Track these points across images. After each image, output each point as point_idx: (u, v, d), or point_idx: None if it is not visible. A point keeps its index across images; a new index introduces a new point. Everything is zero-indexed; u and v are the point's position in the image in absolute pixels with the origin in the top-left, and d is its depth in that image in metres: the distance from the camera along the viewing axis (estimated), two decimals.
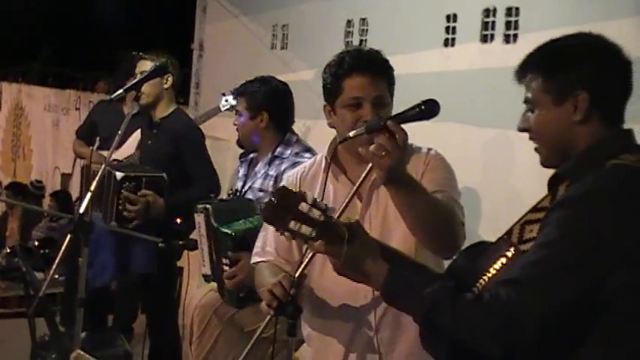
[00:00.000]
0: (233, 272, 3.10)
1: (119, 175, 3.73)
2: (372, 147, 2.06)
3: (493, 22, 3.62)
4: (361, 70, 2.41)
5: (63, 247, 3.00)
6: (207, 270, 3.35)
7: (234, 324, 3.34)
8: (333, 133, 2.56)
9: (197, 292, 3.50)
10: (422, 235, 2.28)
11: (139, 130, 4.33)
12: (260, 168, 3.50)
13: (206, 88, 6.49)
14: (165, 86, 4.05)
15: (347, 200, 2.19)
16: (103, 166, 3.27)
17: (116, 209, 3.75)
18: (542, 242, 1.68)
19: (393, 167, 2.07)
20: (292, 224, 1.83)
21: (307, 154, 3.40)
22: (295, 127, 3.61)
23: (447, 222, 2.25)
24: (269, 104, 3.50)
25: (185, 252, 3.62)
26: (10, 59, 13.40)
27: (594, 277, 1.63)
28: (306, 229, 1.83)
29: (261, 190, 3.41)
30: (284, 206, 1.83)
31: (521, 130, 1.91)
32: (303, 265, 2.19)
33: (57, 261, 2.99)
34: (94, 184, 3.13)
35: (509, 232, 1.83)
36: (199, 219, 3.31)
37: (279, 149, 3.47)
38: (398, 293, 1.84)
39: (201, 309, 3.38)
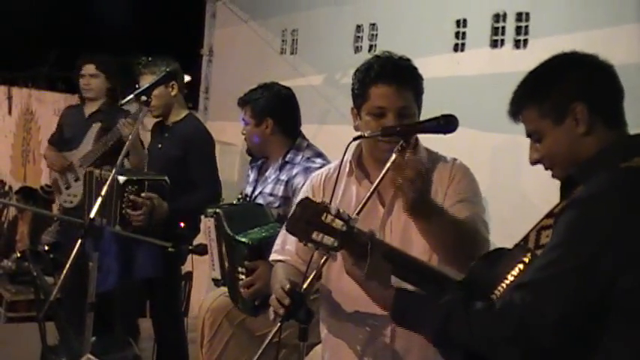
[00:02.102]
0: (250, 281, 3.09)
1: (122, 179, 3.74)
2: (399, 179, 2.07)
3: (503, 28, 3.62)
4: (387, 80, 2.39)
5: (73, 252, 3.01)
6: (217, 274, 3.36)
7: (245, 328, 3.34)
8: (342, 137, 2.55)
9: (208, 295, 3.50)
10: (442, 256, 2.30)
11: (96, 125, 4.52)
12: (271, 173, 3.50)
13: (215, 93, 6.51)
14: (172, 94, 4.07)
15: (364, 202, 2.18)
16: (113, 171, 3.28)
17: (120, 213, 3.76)
18: (553, 244, 1.69)
19: (417, 199, 2.11)
20: (315, 235, 1.86)
21: (319, 159, 3.39)
22: (304, 132, 3.61)
23: (468, 244, 2.25)
24: (273, 110, 3.50)
25: (190, 256, 3.64)
26: (19, 64, 13.45)
27: (605, 277, 1.63)
28: (327, 240, 1.85)
29: (271, 194, 3.41)
30: (307, 218, 1.87)
31: (534, 162, 1.91)
32: (311, 277, 2.18)
33: (67, 266, 2.99)
34: (104, 189, 3.14)
35: (525, 239, 1.83)
36: (209, 223, 3.31)
37: (289, 154, 3.46)
38: (407, 312, 1.86)
39: (212, 312, 3.39)
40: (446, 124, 2.13)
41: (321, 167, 3.33)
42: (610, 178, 1.71)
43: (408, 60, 2.51)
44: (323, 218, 1.85)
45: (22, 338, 3.65)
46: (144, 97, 3.46)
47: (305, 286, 2.14)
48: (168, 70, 3.92)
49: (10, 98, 11.60)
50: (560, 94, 1.83)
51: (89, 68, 4.72)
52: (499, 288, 1.78)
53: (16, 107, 11.41)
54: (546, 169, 1.90)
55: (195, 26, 6.86)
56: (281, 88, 3.60)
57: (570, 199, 1.73)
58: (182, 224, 3.61)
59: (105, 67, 4.74)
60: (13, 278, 6.99)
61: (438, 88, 3.86)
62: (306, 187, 2.68)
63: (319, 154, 3.45)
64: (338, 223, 1.86)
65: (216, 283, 3.40)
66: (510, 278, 1.78)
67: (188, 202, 3.84)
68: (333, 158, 3.39)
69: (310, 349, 3.22)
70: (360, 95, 2.45)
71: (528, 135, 1.90)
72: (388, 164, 2.17)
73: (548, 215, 1.82)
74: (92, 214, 3.07)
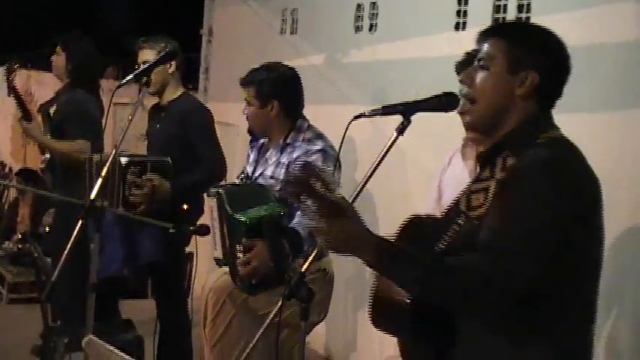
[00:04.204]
0: (247, 259, 3.11)
1: (124, 160, 3.73)
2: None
3: (505, 5, 3.58)
4: None
5: (74, 233, 3.00)
6: (219, 254, 3.36)
7: (248, 308, 3.34)
8: (342, 117, 2.53)
9: (211, 275, 3.51)
10: None
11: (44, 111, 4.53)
12: (271, 155, 3.48)
13: (215, 74, 6.49)
14: (170, 71, 4.05)
15: (362, 183, 2.17)
16: (112, 152, 3.27)
17: (122, 195, 3.75)
18: (510, 210, 1.83)
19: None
20: (303, 197, 1.89)
21: (319, 141, 3.37)
22: (305, 113, 3.59)
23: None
24: (279, 92, 3.45)
25: (194, 238, 3.64)
26: (17, 45, 13.41)
27: (559, 239, 1.79)
28: (312, 203, 1.89)
29: (272, 177, 3.39)
30: (304, 183, 1.89)
31: (461, 81, 2.12)
32: (312, 256, 2.18)
33: (68, 247, 2.99)
34: (105, 169, 3.13)
35: (456, 202, 1.99)
36: (212, 203, 3.31)
37: (290, 137, 3.43)
38: (389, 267, 1.90)
39: (215, 292, 3.39)
40: (447, 102, 2.12)
41: (321, 150, 3.33)
42: (543, 148, 1.87)
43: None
44: (311, 182, 1.88)
45: (24, 319, 3.66)
46: (144, 79, 3.45)
47: (306, 265, 2.14)
48: (168, 49, 3.89)
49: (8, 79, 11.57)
50: (530, 55, 1.94)
51: (58, 46, 4.65)
52: (436, 248, 1.95)
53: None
54: (466, 97, 2.02)
55: (195, 7, 6.83)
56: (286, 69, 3.55)
57: (513, 168, 1.88)
58: (185, 206, 3.60)
59: (67, 46, 4.61)
60: (14, 260, 7.00)
61: (439, 67, 3.86)
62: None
63: (320, 136, 3.43)
64: (321, 188, 1.88)
65: (218, 262, 3.40)
66: (447, 239, 1.95)
67: (191, 179, 3.82)
68: (333, 138, 3.38)
69: (312, 328, 3.23)
70: None
71: (479, 58, 2.00)
72: (388, 143, 2.16)
73: (476, 180, 1.99)
74: (92, 195, 3.07)
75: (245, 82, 3.49)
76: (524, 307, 1.82)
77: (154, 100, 4.25)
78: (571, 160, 1.87)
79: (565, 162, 1.86)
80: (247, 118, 3.57)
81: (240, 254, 3.14)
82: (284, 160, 3.39)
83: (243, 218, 3.10)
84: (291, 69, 3.56)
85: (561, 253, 1.80)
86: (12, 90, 4.53)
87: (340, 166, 3.34)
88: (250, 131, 3.75)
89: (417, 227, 2.10)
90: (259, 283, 3.15)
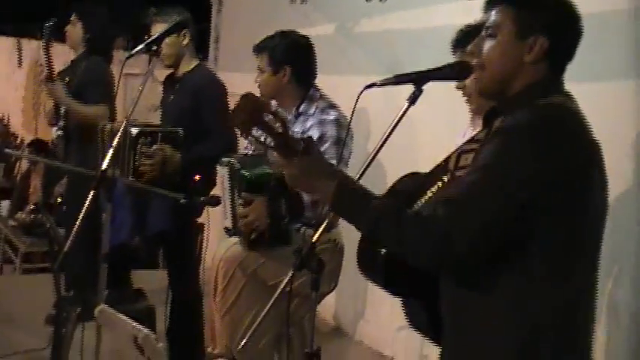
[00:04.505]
0: (245, 212, 3.18)
1: (134, 130, 3.72)
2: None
3: None
4: None
5: (86, 204, 3.01)
6: (228, 223, 3.37)
7: (258, 277, 3.37)
8: (353, 86, 2.52)
9: (221, 245, 3.52)
10: None
11: (61, 82, 4.57)
12: None
13: (225, 43, 6.47)
14: (184, 43, 4.03)
15: (372, 155, 2.17)
16: (123, 122, 3.27)
17: (133, 165, 3.76)
18: (477, 166, 1.85)
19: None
20: (254, 130, 1.92)
21: (332, 111, 3.37)
22: (316, 83, 3.57)
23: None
24: (291, 58, 3.45)
25: (206, 210, 3.65)
26: (28, 14, 13.37)
27: (523, 197, 1.78)
28: (266, 138, 1.92)
29: None
30: (249, 111, 1.91)
31: (470, 51, 2.05)
32: (322, 227, 2.18)
33: (80, 217, 3.00)
34: (115, 140, 3.14)
35: (446, 160, 2.01)
36: (223, 172, 3.33)
37: (303, 106, 3.43)
38: (345, 206, 1.96)
39: (225, 262, 3.41)
40: (460, 70, 2.11)
41: (335, 120, 3.32)
42: (530, 112, 1.86)
43: None
44: (263, 116, 1.91)
45: (37, 289, 3.69)
46: (154, 47, 3.44)
47: (316, 236, 2.14)
48: (179, 19, 3.88)
49: (19, 50, 11.57)
50: (538, 20, 1.92)
51: (73, 15, 4.71)
52: (418, 202, 1.97)
53: (26, 59, 11.39)
54: (475, 66, 2.01)
55: None
56: (300, 36, 3.56)
57: (495, 128, 1.90)
58: (197, 177, 3.60)
59: (83, 16, 4.69)
60: (27, 230, 7.06)
61: (450, 36, 3.83)
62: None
63: (332, 106, 3.42)
64: (276, 124, 1.91)
65: (228, 232, 3.42)
66: (429, 194, 1.97)
67: (202, 151, 3.82)
68: (344, 109, 3.37)
69: (322, 298, 3.25)
70: None
71: (487, 27, 1.98)
72: (400, 113, 2.15)
73: (470, 141, 2.01)
74: (104, 166, 3.07)
75: (258, 49, 3.50)
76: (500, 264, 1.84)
77: (165, 71, 4.24)
78: (554, 125, 1.84)
79: (546, 126, 1.83)
80: (258, 86, 3.56)
81: (240, 208, 3.21)
82: (297, 129, 3.39)
83: (246, 173, 3.17)
84: (305, 37, 3.56)
85: (529, 215, 1.79)
86: (45, 49, 4.63)
87: (352, 135, 3.35)
88: None
89: (406, 183, 2.13)
90: (257, 239, 3.24)
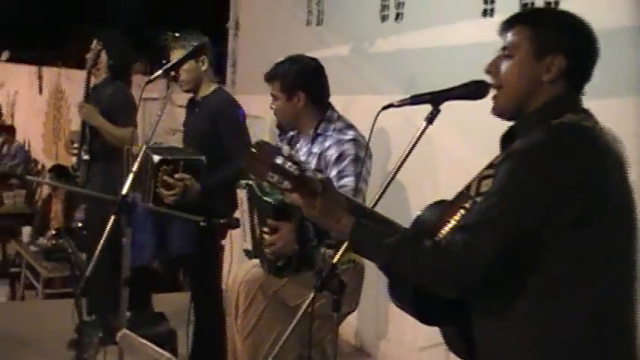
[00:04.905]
0: (272, 240, 3.15)
1: (156, 158, 3.74)
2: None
3: None
4: None
5: (107, 228, 3.03)
6: (248, 245, 3.37)
7: (279, 299, 3.36)
8: (370, 107, 2.53)
9: (241, 267, 3.52)
10: None
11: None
12: (302, 146, 3.48)
13: (242, 67, 6.50)
14: (203, 68, 4.06)
15: (392, 174, 2.17)
16: (143, 147, 3.29)
17: (153, 192, 3.77)
18: (491, 191, 1.86)
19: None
20: (270, 175, 1.94)
21: (350, 131, 3.37)
22: (332, 103, 3.58)
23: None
24: (304, 83, 3.45)
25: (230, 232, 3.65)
26: (47, 43, 13.52)
27: (536, 218, 1.80)
28: (283, 182, 1.94)
29: None
30: (262, 158, 1.94)
31: (487, 71, 2.03)
32: (343, 247, 2.18)
33: (102, 241, 3.02)
34: (135, 165, 3.16)
35: (467, 187, 2.00)
36: (241, 195, 3.34)
37: (321, 127, 3.43)
38: (362, 243, 2.00)
39: (246, 284, 3.41)
40: (476, 90, 2.11)
41: (353, 139, 3.33)
42: (544, 132, 1.85)
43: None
44: (276, 160, 1.93)
45: (59, 314, 3.69)
46: (172, 73, 3.47)
47: (337, 257, 2.14)
48: (197, 44, 3.91)
49: (40, 78, 11.71)
50: (555, 39, 1.93)
51: (94, 42, 4.78)
52: (442, 231, 1.96)
53: (46, 87, 11.52)
54: (492, 85, 2.02)
55: (221, 1, 6.85)
56: (308, 59, 3.56)
57: (509, 150, 1.89)
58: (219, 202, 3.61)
59: (105, 41, 4.77)
60: (49, 255, 7.10)
61: (466, 55, 3.84)
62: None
63: (350, 126, 3.42)
64: (291, 167, 1.93)
65: (248, 254, 3.42)
66: (453, 222, 1.96)
67: (222, 174, 3.82)
68: (362, 129, 3.38)
69: (343, 318, 3.24)
70: None
71: (504, 47, 1.99)
72: (418, 133, 2.15)
73: (489, 166, 1.97)
74: (124, 191, 3.09)
75: (270, 77, 3.49)
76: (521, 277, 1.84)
77: (183, 95, 4.28)
78: (567, 144, 1.83)
79: (558, 146, 1.83)
80: (275, 113, 3.57)
81: (266, 236, 3.19)
82: (316, 149, 3.39)
83: (270, 200, 3.14)
84: (314, 59, 3.56)
85: (544, 236, 1.79)
86: (88, 75, 4.78)
87: (371, 155, 3.35)
88: (279, 125, 3.75)
89: (431, 211, 2.12)
90: (285, 265, 3.20)
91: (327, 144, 3.37)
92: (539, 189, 1.79)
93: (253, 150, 1.96)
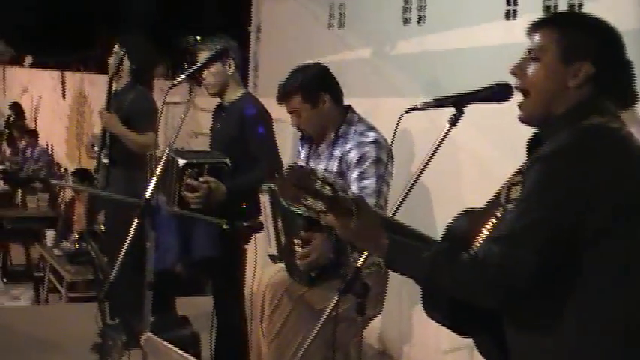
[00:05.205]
0: (306, 252, 3.14)
1: (181, 162, 3.74)
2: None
3: None
4: None
5: (131, 232, 3.04)
6: (273, 250, 3.37)
7: (304, 302, 3.35)
8: (393, 110, 2.52)
9: (266, 271, 3.52)
10: None
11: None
12: (323, 149, 3.46)
13: (264, 71, 6.51)
14: (229, 72, 4.04)
15: (414, 179, 2.16)
16: (166, 151, 3.30)
17: (179, 195, 3.78)
18: (523, 197, 1.85)
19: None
20: (304, 199, 1.95)
21: (371, 133, 3.35)
22: (352, 105, 3.56)
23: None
24: (324, 83, 3.44)
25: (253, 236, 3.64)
26: (70, 48, 13.62)
27: (570, 221, 1.78)
28: (318, 204, 1.93)
29: (326, 170, 3.37)
30: (295, 182, 1.94)
31: (512, 73, 2.01)
32: (365, 253, 2.18)
33: (125, 245, 3.03)
34: (159, 169, 3.17)
35: (497, 195, 2.00)
36: (264, 199, 3.33)
37: (342, 129, 3.41)
38: (398, 260, 1.99)
39: (271, 287, 3.40)
40: (500, 92, 2.09)
41: (374, 141, 3.31)
42: (570, 135, 1.84)
43: None
44: (311, 183, 1.92)
45: (83, 317, 3.72)
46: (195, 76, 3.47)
47: (362, 260, 2.14)
48: (220, 47, 3.90)
49: (63, 82, 11.79)
50: (583, 44, 1.92)
51: (115, 47, 4.79)
52: (475, 242, 1.96)
53: (69, 91, 11.60)
54: (517, 88, 2.00)
55: (244, 3, 6.87)
56: (312, 64, 3.54)
57: (536, 155, 1.87)
58: (243, 205, 3.61)
59: (127, 47, 4.77)
60: (72, 259, 7.14)
61: (488, 57, 3.82)
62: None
63: (372, 128, 3.41)
64: (326, 188, 1.92)
65: (272, 258, 3.42)
66: (485, 232, 1.96)
67: (248, 179, 3.81)
68: (385, 132, 3.37)
69: (367, 322, 3.23)
70: None
71: (530, 50, 1.97)
72: (441, 135, 2.15)
73: (518, 173, 1.96)
74: (148, 195, 3.10)
75: (285, 95, 3.43)
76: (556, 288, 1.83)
77: (206, 99, 4.29)
78: (594, 145, 1.82)
79: (586, 147, 1.81)
80: (301, 128, 3.50)
81: (298, 247, 3.16)
82: (337, 153, 3.38)
83: (300, 212, 3.11)
84: (317, 62, 3.56)
85: (579, 238, 1.78)
86: (110, 82, 4.76)
87: (393, 157, 3.34)
88: (307, 136, 3.71)
89: (462, 222, 2.10)
90: (319, 275, 3.19)
91: (348, 147, 3.35)
92: (569, 192, 1.78)
93: (287, 174, 1.96)
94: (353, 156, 3.30)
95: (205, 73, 3.91)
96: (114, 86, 4.86)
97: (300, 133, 3.73)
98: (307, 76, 3.42)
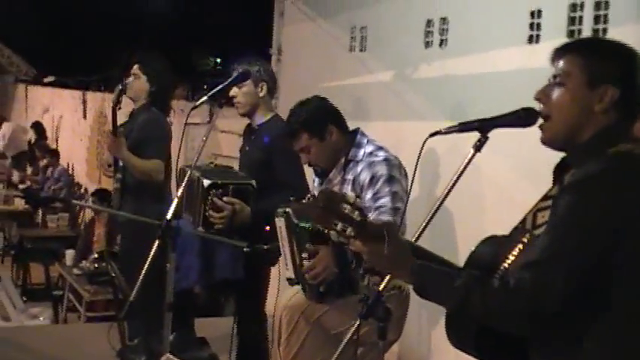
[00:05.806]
0: (312, 265, 3.15)
1: (206, 182, 3.74)
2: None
3: (580, 17, 3.51)
4: None
5: (152, 253, 3.05)
6: (290, 273, 3.37)
7: (321, 326, 3.34)
8: (415, 134, 2.52)
9: (284, 294, 3.51)
10: None
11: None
12: (335, 175, 3.44)
13: (285, 93, 6.52)
14: (261, 94, 4.03)
15: (438, 203, 2.15)
16: (189, 171, 3.31)
17: (203, 215, 3.77)
18: (554, 225, 1.85)
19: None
20: (335, 223, 1.97)
21: (381, 152, 3.36)
22: (373, 129, 3.57)
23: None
24: (328, 116, 3.47)
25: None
26: (91, 68, 13.75)
27: (601, 249, 1.79)
28: (347, 229, 1.96)
29: None
30: (327, 206, 1.96)
31: (537, 98, 2.01)
32: (387, 277, 2.17)
33: (146, 266, 3.04)
34: (180, 190, 3.18)
35: (523, 221, 2.00)
36: (280, 223, 3.32)
37: (351, 153, 3.41)
38: (429, 287, 2.00)
39: (289, 310, 3.40)
40: (526, 117, 2.08)
41: (384, 160, 3.31)
42: (600, 163, 1.85)
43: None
44: (342, 208, 1.94)
45: (102, 337, 3.71)
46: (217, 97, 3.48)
47: (384, 284, 2.13)
48: (242, 70, 3.89)
49: (84, 102, 11.88)
50: (608, 69, 1.92)
51: (135, 67, 4.70)
52: (501, 267, 1.96)
53: (90, 111, 11.68)
54: (541, 114, 2.00)
55: (264, 26, 6.90)
56: (310, 98, 3.57)
57: (567, 182, 1.88)
58: (267, 228, 3.60)
59: (146, 68, 4.68)
60: (91, 278, 7.15)
61: (511, 81, 3.81)
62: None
63: (380, 148, 3.41)
64: (355, 213, 1.94)
65: (290, 282, 3.41)
66: (511, 258, 1.95)
67: (272, 204, 3.81)
68: (406, 155, 3.36)
69: (389, 346, 3.21)
70: None
71: (555, 75, 1.98)
72: (465, 161, 2.14)
73: (544, 198, 1.98)
74: (168, 216, 3.11)
75: (291, 134, 3.47)
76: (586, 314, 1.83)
77: (226, 121, 4.29)
78: (626, 173, 1.84)
79: (618, 175, 1.83)
80: (314, 163, 3.52)
81: (305, 262, 3.18)
82: (349, 176, 3.39)
83: (306, 225, 3.15)
84: (315, 96, 3.58)
85: (610, 265, 1.79)
86: (114, 107, 4.63)
87: (406, 174, 3.33)
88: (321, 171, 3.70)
89: (485, 248, 2.09)
90: (327, 290, 3.20)
91: (359, 169, 3.36)
92: (600, 220, 1.79)
93: (319, 197, 1.98)
94: (364, 176, 3.30)
95: (237, 91, 3.92)
96: (130, 107, 4.82)
97: None
98: (309, 112, 3.46)
